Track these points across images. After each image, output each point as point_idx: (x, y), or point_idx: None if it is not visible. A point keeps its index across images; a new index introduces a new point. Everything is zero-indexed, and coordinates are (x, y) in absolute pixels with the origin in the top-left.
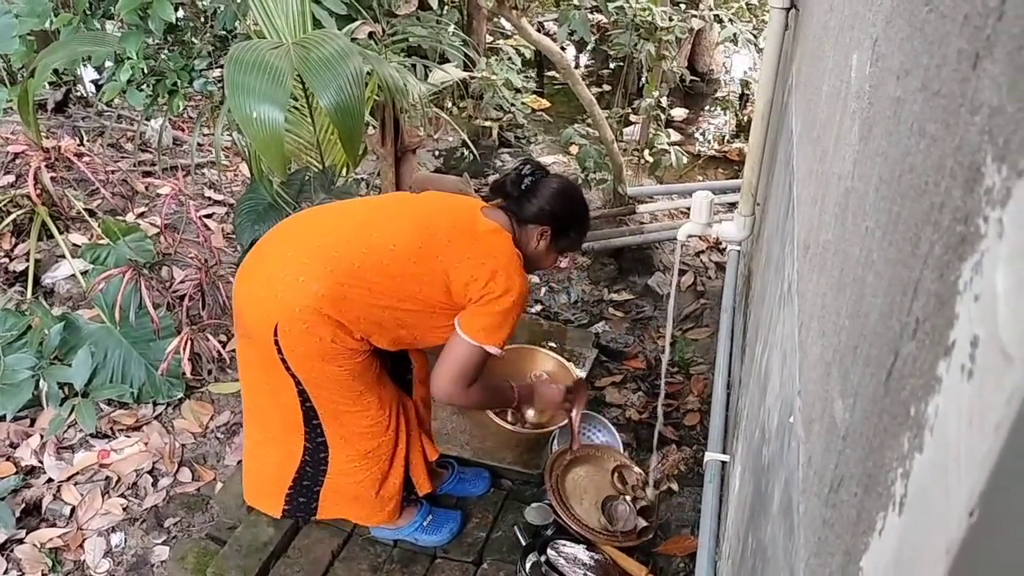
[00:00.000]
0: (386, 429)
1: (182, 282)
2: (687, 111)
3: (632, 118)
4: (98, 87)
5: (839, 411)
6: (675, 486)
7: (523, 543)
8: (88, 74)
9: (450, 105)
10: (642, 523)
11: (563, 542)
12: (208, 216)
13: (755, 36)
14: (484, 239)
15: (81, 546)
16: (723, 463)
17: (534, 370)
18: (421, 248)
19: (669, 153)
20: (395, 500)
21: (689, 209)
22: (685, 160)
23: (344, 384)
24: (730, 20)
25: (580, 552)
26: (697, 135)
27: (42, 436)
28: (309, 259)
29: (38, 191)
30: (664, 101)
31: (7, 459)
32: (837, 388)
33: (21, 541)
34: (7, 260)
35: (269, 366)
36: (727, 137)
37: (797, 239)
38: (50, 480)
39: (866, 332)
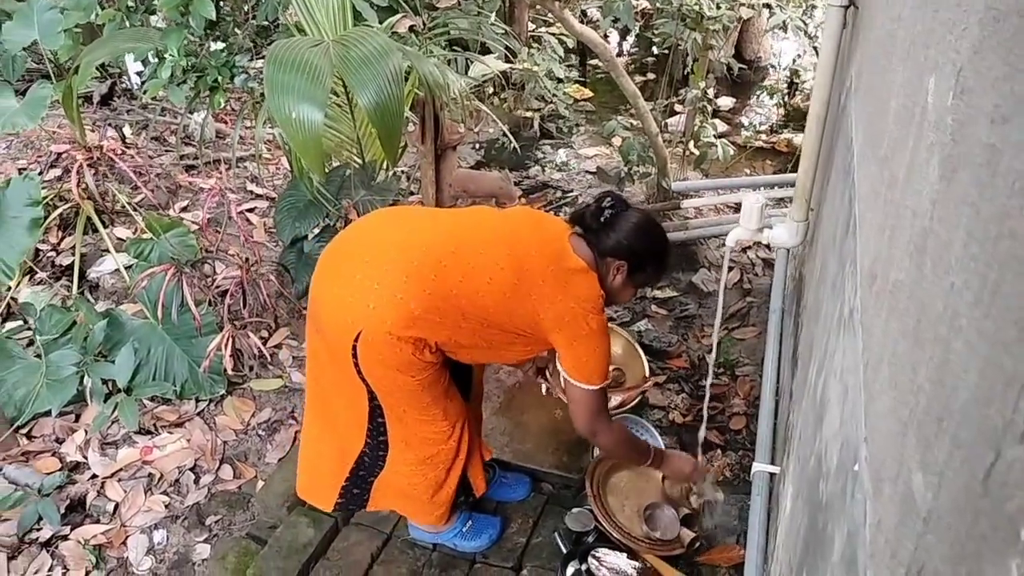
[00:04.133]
0: (448, 439)
1: (224, 279)
2: (734, 100)
3: (677, 108)
4: (144, 80)
5: (919, 486)
6: (720, 494)
7: (564, 551)
8: (134, 66)
9: (491, 92)
10: (687, 533)
11: (604, 551)
12: (250, 210)
13: (804, 23)
14: (575, 281)
15: (124, 543)
16: (771, 475)
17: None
18: (517, 285)
19: (716, 146)
20: (446, 506)
21: (736, 204)
22: (732, 152)
23: (414, 394)
24: (779, 7)
25: (621, 561)
26: (744, 124)
27: (87, 432)
28: (408, 277)
29: (81, 188)
30: (710, 92)
31: (53, 454)
32: (916, 457)
33: (66, 538)
34: (54, 254)
35: (340, 365)
36: (775, 126)
37: (860, 264)
38: (94, 476)
39: (953, 409)
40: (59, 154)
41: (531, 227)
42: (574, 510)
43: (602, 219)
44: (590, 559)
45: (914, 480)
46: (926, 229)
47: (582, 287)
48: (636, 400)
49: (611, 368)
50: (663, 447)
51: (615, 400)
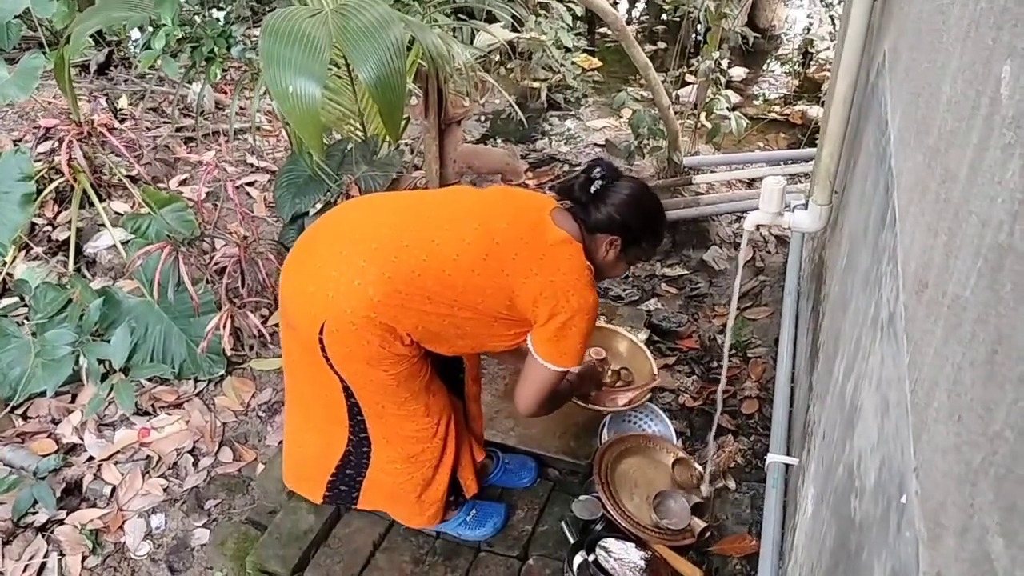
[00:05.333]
0: (432, 436)
1: (222, 256)
2: (747, 71)
3: (689, 78)
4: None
5: (1000, 555)
6: (732, 483)
7: (571, 540)
8: (134, 33)
9: (497, 62)
10: (697, 523)
11: (611, 541)
12: (250, 184)
13: None
14: (552, 252)
15: (121, 528)
16: (786, 466)
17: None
18: (486, 260)
19: (729, 119)
20: (437, 505)
21: (749, 180)
22: (745, 124)
23: (388, 389)
24: None
25: (630, 551)
26: (757, 95)
27: (83, 413)
28: (366, 262)
29: (74, 162)
30: (724, 62)
31: (48, 436)
32: (994, 518)
33: (62, 522)
34: (50, 228)
35: (313, 360)
36: (789, 97)
37: (903, 265)
38: (91, 458)
39: None
40: (48, 129)
41: (504, 201)
42: (581, 497)
43: (592, 190)
44: (598, 549)
45: (992, 545)
46: (1003, 245)
47: (562, 259)
48: (645, 399)
49: (619, 368)
50: (673, 432)
51: (624, 399)
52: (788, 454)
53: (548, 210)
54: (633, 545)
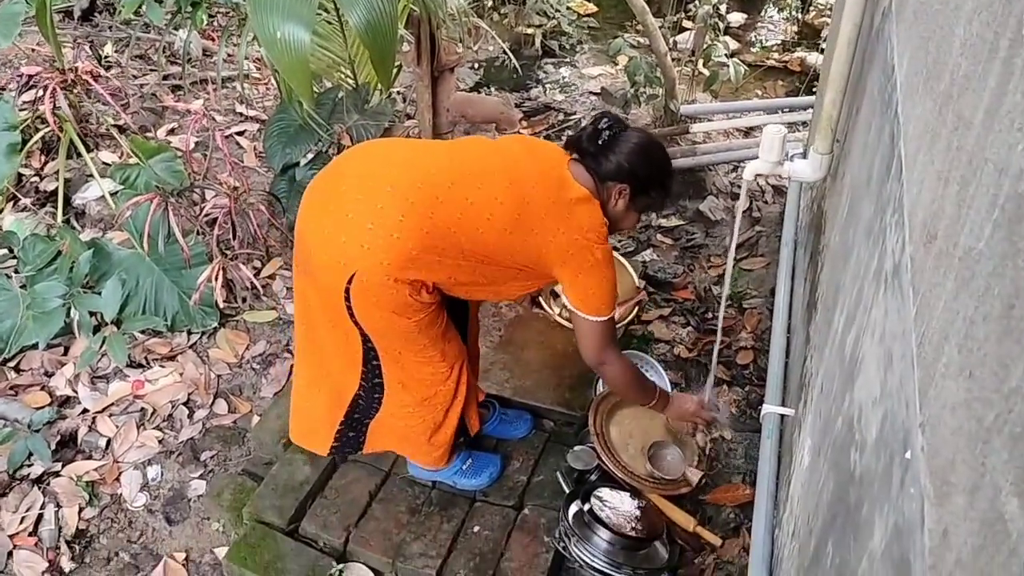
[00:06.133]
0: (446, 379)
1: (213, 207)
2: (745, 16)
3: (686, 24)
4: None
5: (1014, 516)
6: (727, 433)
7: (566, 490)
8: None
9: (490, 7)
10: (692, 473)
11: (606, 490)
12: (240, 133)
13: None
14: (577, 211)
15: (118, 479)
16: (781, 416)
17: None
18: (518, 219)
19: (727, 66)
20: (445, 447)
21: (747, 128)
22: (743, 71)
23: (410, 336)
24: None
25: (625, 500)
26: (755, 41)
27: (76, 365)
28: (404, 216)
29: (55, 113)
30: (722, 7)
31: (42, 388)
32: (1007, 478)
33: (57, 474)
34: (38, 179)
35: (331, 307)
36: (787, 43)
37: (909, 215)
38: (85, 411)
39: None
40: (31, 76)
41: (528, 156)
42: (576, 448)
43: (600, 141)
44: (592, 499)
45: (1006, 506)
46: (1023, 195)
47: (585, 217)
48: (632, 314)
49: None
50: (668, 383)
51: None
52: (783, 405)
53: (565, 164)
54: (628, 495)
